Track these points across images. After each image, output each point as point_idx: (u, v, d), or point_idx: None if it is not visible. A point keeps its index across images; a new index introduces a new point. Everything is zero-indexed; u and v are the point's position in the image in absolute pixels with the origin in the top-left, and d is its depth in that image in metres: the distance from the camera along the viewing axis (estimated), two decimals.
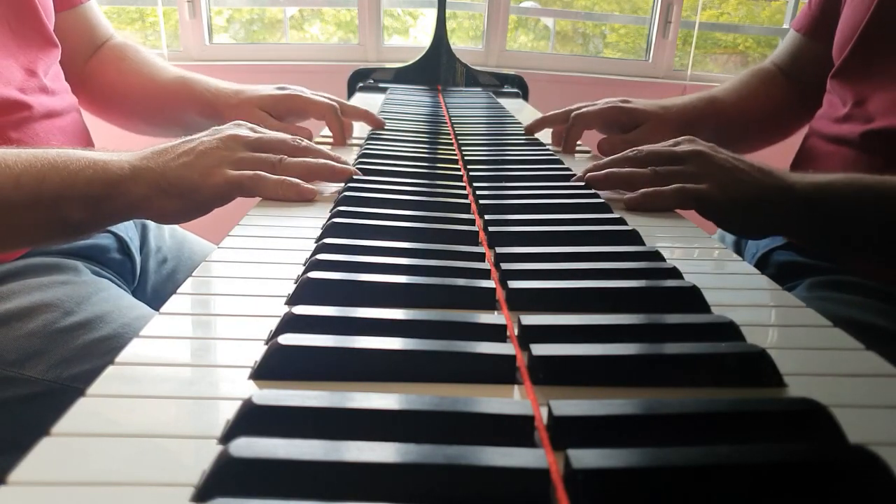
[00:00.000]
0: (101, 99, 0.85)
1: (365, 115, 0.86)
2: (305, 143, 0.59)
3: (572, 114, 0.81)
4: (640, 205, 0.56)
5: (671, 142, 0.60)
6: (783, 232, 0.63)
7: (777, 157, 0.74)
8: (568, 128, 0.82)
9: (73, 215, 0.50)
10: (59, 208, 0.49)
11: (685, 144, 0.58)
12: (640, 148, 0.60)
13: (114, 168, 0.50)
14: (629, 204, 0.56)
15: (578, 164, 0.73)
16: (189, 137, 0.55)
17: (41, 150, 0.50)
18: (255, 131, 0.58)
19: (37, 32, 0.69)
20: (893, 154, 0.65)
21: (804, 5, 0.87)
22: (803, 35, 0.85)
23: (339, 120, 0.80)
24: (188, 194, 0.52)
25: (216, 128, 0.57)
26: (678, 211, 0.58)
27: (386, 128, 0.86)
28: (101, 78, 0.84)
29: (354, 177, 0.58)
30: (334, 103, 0.81)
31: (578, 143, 0.84)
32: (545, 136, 0.89)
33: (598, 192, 0.58)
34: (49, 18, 0.71)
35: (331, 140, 0.82)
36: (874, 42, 0.69)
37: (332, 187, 0.59)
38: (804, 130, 0.82)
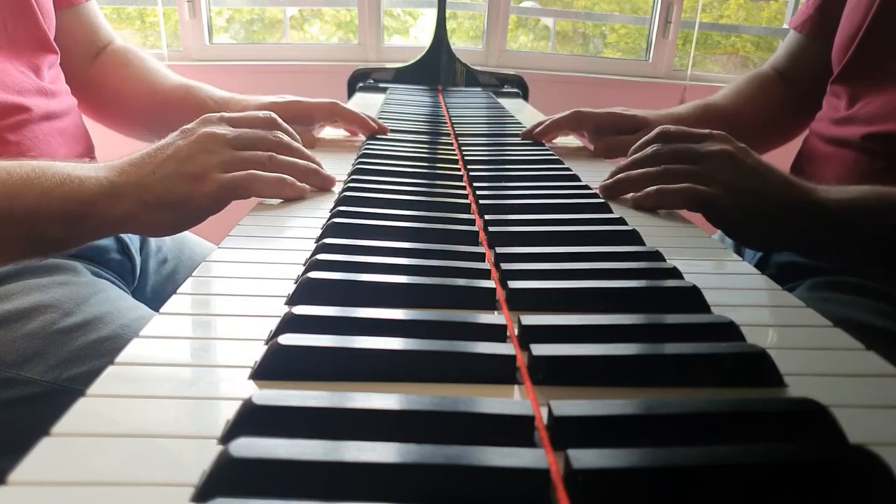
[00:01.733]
0: (103, 104, 0.84)
1: (359, 121, 0.83)
2: (284, 137, 0.57)
3: (573, 110, 0.81)
4: (644, 201, 0.55)
5: (704, 132, 0.57)
6: (797, 249, 0.61)
7: (777, 159, 0.74)
8: (561, 116, 0.80)
9: (50, 233, 0.48)
10: (34, 226, 0.47)
11: (714, 142, 0.55)
12: (665, 130, 0.57)
13: (91, 185, 0.47)
14: (636, 201, 0.56)
15: (583, 166, 0.73)
16: (162, 143, 0.52)
17: (16, 164, 0.47)
18: (227, 121, 0.55)
19: (34, 34, 0.68)
20: (891, 156, 0.65)
21: (802, 4, 0.87)
22: (801, 34, 0.85)
23: (348, 109, 0.79)
24: (179, 206, 0.49)
25: (185, 128, 0.54)
26: (679, 211, 0.58)
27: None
28: (103, 83, 0.82)
29: (355, 176, 0.58)
30: (334, 100, 0.80)
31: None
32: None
33: (598, 193, 0.58)
34: (48, 20, 0.71)
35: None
36: (875, 44, 0.68)
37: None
38: (804, 132, 0.82)
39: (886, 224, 0.53)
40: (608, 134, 0.82)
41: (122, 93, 0.83)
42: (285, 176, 0.53)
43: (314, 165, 0.58)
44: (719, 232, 0.85)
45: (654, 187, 0.55)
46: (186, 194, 0.49)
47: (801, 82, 0.85)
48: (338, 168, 0.67)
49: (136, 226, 0.50)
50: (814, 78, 0.80)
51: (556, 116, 0.82)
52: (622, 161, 0.60)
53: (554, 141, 0.87)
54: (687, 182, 0.53)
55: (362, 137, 0.82)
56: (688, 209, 0.55)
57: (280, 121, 0.59)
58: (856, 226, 0.53)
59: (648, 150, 0.57)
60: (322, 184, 0.58)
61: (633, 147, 0.60)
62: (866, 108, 0.69)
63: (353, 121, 0.82)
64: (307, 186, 0.56)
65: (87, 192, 0.47)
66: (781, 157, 0.80)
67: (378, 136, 0.79)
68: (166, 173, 0.49)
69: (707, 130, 0.57)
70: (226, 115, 0.56)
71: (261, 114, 0.57)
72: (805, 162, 0.78)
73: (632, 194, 0.57)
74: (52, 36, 0.72)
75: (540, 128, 0.82)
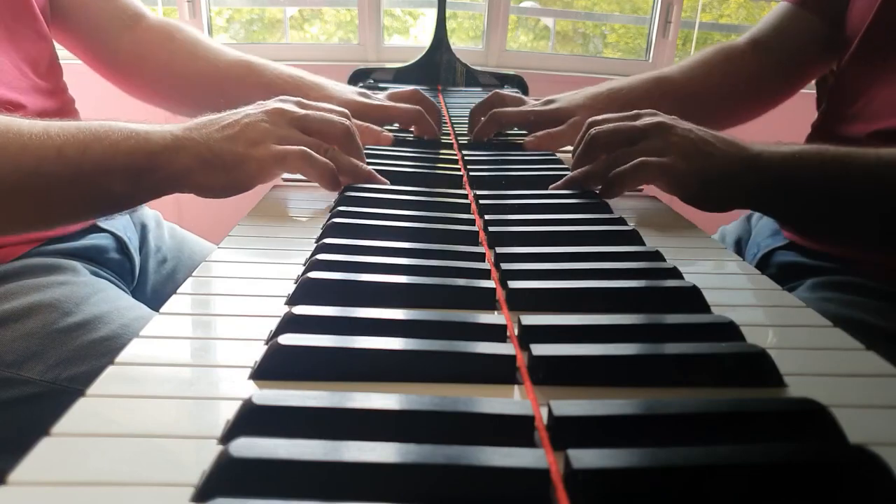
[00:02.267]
0: (149, 83, 0.80)
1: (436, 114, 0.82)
2: (352, 130, 0.57)
3: (490, 112, 0.79)
4: (610, 192, 0.55)
5: (632, 114, 0.58)
6: (750, 205, 0.61)
7: None
8: (484, 122, 0.79)
9: (115, 188, 0.49)
10: (102, 180, 0.48)
11: (646, 118, 0.57)
12: (599, 126, 0.57)
13: (156, 138, 0.49)
14: (603, 196, 0.56)
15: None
16: (234, 111, 0.54)
17: (84, 122, 0.49)
18: (303, 106, 0.57)
19: (29, 26, 0.67)
20: None
21: None
22: (794, 5, 0.82)
23: (428, 121, 0.78)
24: (232, 167, 0.51)
25: (261, 102, 0.56)
26: (679, 210, 0.58)
27: (386, 128, 0.85)
28: (147, 61, 0.79)
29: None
30: (418, 107, 0.78)
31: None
32: None
33: (598, 192, 0.58)
34: (43, 10, 0.69)
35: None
36: (880, 39, 0.68)
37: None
38: (805, 129, 0.82)
39: (828, 177, 0.54)
40: (533, 130, 0.79)
41: (171, 68, 0.80)
42: (335, 167, 0.54)
43: (365, 173, 0.57)
44: (719, 231, 0.86)
45: (611, 174, 0.55)
46: (240, 157, 0.51)
47: (782, 54, 0.83)
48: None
49: (191, 182, 0.51)
50: (798, 50, 0.79)
51: (480, 124, 0.80)
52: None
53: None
54: (637, 158, 0.54)
55: None
56: (646, 183, 0.56)
57: (352, 122, 0.58)
58: (794, 178, 0.54)
59: (590, 134, 0.57)
60: (366, 179, 0.57)
61: (576, 153, 0.60)
62: (872, 104, 0.68)
63: (426, 132, 0.79)
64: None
65: (152, 145, 0.49)
66: None
67: None
68: (227, 135, 0.51)
69: (634, 111, 0.58)
70: (304, 100, 0.58)
71: (337, 109, 0.58)
72: None
73: (600, 191, 0.57)
74: (45, 25, 0.70)
75: (475, 131, 0.80)
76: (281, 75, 0.79)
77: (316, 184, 0.57)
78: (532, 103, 0.81)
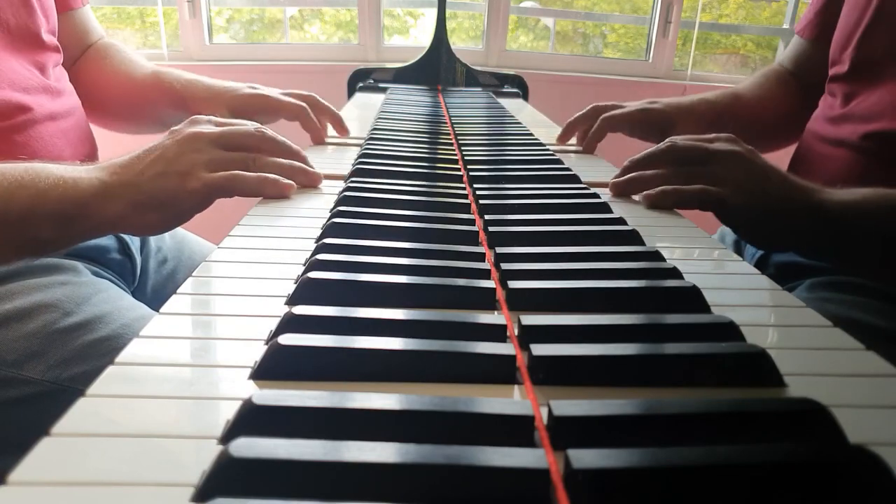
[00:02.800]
0: (86, 101, 0.82)
1: (333, 116, 0.85)
2: (269, 133, 0.58)
3: (601, 116, 0.82)
4: (660, 202, 0.55)
5: (710, 136, 0.58)
6: (802, 251, 0.61)
7: (773, 158, 0.74)
8: (595, 128, 0.82)
9: (43, 235, 0.48)
10: (29, 227, 0.47)
11: (722, 143, 0.57)
12: (674, 142, 0.58)
13: (84, 185, 0.48)
14: (651, 199, 0.56)
15: (583, 166, 0.73)
16: (151, 145, 0.53)
17: (9, 166, 0.48)
18: (216, 124, 0.57)
19: (36, 35, 0.69)
20: (887, 155, 0.65)
21: (806, 9, 0.88)
22: (805, 39, 0.86)
23: (313, 119, 0.80)
24: (168, 205, 0.51)
25: (174, 129, 0.55)
26: (679, 210, 0.58)
27: (386, 128, 0.86)
28: (85, 79, 0.82)
29: (355, 177, 0.58)
30: (304, 104, 0.80)
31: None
32: (544, 136, 0.89)
33: (598, 193, 0.58)
34: (49, 20, 0.71)
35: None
36: (873, 43, 0.69)
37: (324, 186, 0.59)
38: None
39: (888, 227, 0.53)
40: (636, 133, 0.84)
41: (100, 86, 0.83)
42: (268, 175, 0.54)
43: (299, 164, 0.58)
44: (719, 231, 0.86)
45: (671, 187, 0.55)
46: (174, 192, 0.50)
47: (808, 84, 0.86)
48: (338, 168, 0.67)
49: (127, 226, 0.51)
50: (817, 81, 0.81)
51: (584, 120, 0.85)
52: (630, 157, 0.61)
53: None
54: (698, 183, 0.54)
55: (357, 141, 0.82)
56: (700, 209, 0.55)
57: (267, 130, 0.59)
58: (858, 228, 0.53)
59: (662, 147, 0.58)
60: (308, 181, 0.58)
61: (645, 152, 0.60)
62: (861, 106, 0.69)
63: (310, 130, 0.82)
64: (292, 184, 0.56)
65: (80, 193, 0.48)
66: (778, 158, 0.81)
67: (378, 137, 0.79)
68: (156, 172, 0.50)
69: (713, 134, 0.58)
70: (214, 117, 0.58)
71: (247, 123, 0.59)
72: (801, 161, 0.78)
73: (646, 192, 0.57)
74: (55, 35, 0.72)
75: (587, 141, 0.83)
76: (179, 80, 0.82)
77: (317, 185, 0.57)
78: (635, 104, 0.84)
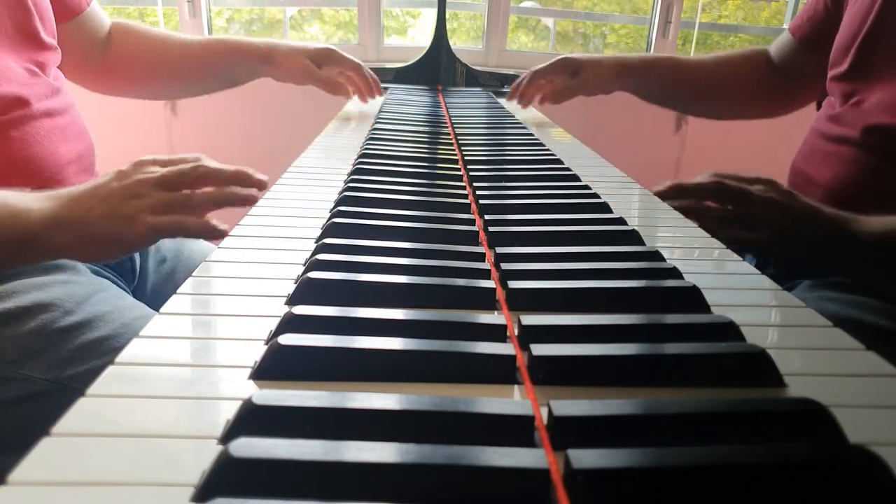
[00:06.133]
0: (130, 76, 0.92)
1: (376, 81, 1.05)
2: (209, 165, 0.61)
3: (531, 70, 1.01)
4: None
5: (752, 178, 0.63)
6: (843, 274, 0.65)
7: (779, 157, 0.75)
8: (526, 79, 1.01)
9: None
10: None
11: (762, 186, 0.62)
12: (721, 182, 0.63)
13: (36, 217, 0.52)
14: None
15: (577, 161, 0.73)
16: (100, 182, 0.57)
17: None
18: (161, 163, 0.60)
19: (34, 36, 0.70)
20: (890, 151, 0.66)
21: (801, 9, 0.92)
22: (794, 39, 0.91)
23: (366, 75, 0.97)
24: (113, 243, 0.55)
25: (120, 170, 0.59)
26: (680, 211, 0.58)
27: (386, 128, 0.86)
28: (123, 57, 0.89)
29: (355, 177, 0.58)
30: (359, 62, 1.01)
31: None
32: (545, 136, 0.89)
33: (598, 193, 0.58)
34: (47, 22, 0.72)
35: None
36: (875, 45, 0.70)
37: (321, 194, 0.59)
38: (804, 130, 0.83)
39: None
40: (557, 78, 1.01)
41: (146, 55, 0.92)
42: (210, 221, 0.59)
43: (233, 191, 0.61)
44: None
45: (710, 226, 0.58)
46: (119, 233, 0.55)
47: (785, 75, 0.95)
48: (338, 168, 0.67)
49: (74, 254, 0.55)
50: (798, 75, 0.89)
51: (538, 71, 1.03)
52: (678, 181, 0.67)
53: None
54: (736, 224, 0.60)
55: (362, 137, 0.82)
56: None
57: (208, 161, 0.63)
58: (888, 251, 0.57)
59: (709, 181, 0.64)
60: (242, 202, 0.62)
61: (693, 183, 0.66)
62: (862, 105, 0.71)
63: (354, 69, 1.02)
64: (226, 229, 0.59)
65: (31, 223, 0.52)
66: (780, 156, 0.82)
67: (378, 137, 0.79)
68: (102, 213, 0.55)
69: (755, 175, 0.64)
70: (158, 157, 0.62)
71: (189, 157, 0.63)
72: (805, 159, 0.79)
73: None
74: (54, 36, 0.73)
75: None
76: (257, 43, 0.97)
77: (316, 184, 0.57)
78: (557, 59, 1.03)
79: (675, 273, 0.39)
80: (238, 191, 0.62)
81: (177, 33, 0.96)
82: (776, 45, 0.96)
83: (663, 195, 0.64)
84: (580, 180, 0.63)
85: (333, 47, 1.00)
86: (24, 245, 0.52)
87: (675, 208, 0.62)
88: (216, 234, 0.59)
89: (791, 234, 0.59)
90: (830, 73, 0.76)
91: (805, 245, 0.59)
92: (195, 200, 0.59)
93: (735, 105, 1.02)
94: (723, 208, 0.63)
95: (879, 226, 0.58)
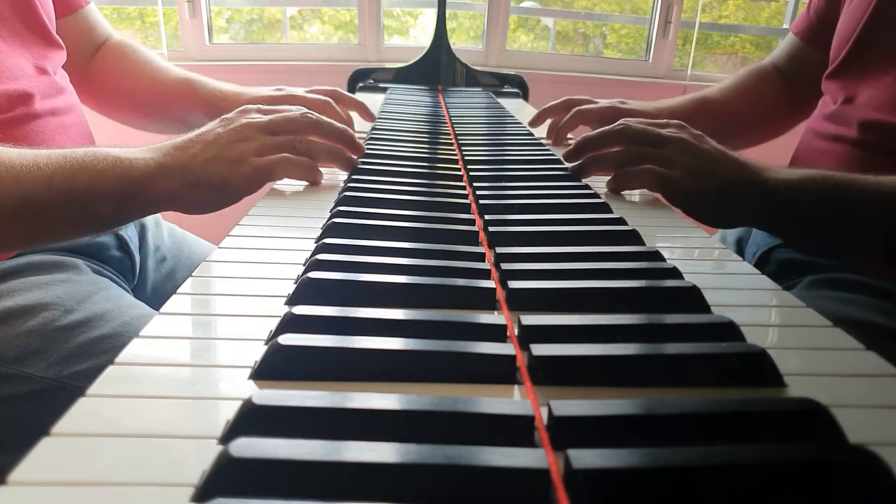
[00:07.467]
0: (105, 97, 0.87)
1: (358, 106, 0.90)
2: (314, 116, 0.61)
3: (574, 109, 0.84)
4: (615, 187, 0.60)
5: (662, 122, 0.61)
6: (753, 224, 0.64)
7: (775, 155, 0.75)
8: (565, 119, 0.85)
9: (102, 212, 0.51)
10: (90, 205, 0.50)
11: (672, 129, 0.60)
12: (627, 123, 0.61)
13: (140, 165, 0.51)
14: (609, 188, 0.61)
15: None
16: (203, 129, 0.56)
17: (70, 150, 0.51)
18: (263, 112, 0.60)
19: (41, 33, 0.70)
20: (885, 148, 0.66)
21: (803, 10, 0.90)
22: (801, 40, 0.89)
23: (338, 112, 0.83)
24: (220, 187, 0.53)
25: (225, 117, 0.58)
26: (679, 211, 0.58)
27: (386, 128, 0.86)
28: (105, 77, 0.86)
29: (355, 177, 0.58)
30: (328, 98, 0.83)
31: (569, 135, 0.86)
32: (543, 133, 0.89)
33: (598, 193, 0.58)
34: (50, 21, 0.72)
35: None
36: (870, 42, 0.70)
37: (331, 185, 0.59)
38: (801, 130, 0.83)
39: (826, 205, 0.55)
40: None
41: (124, 86, 0.87)
42: (314, 162, 0.59)
43: (340, 148, 0.62)
44: (720, 232, 0.86)
45: (619, 171, 0.59)
46: (226, 176, 0.53)
47: (797, 82, 0.90)
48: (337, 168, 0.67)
49: (179, 203, 0.54)
50: (809, 80, 0.84)
51: (556, 110, 0.89)
52: (584, 135, 0.65)
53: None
54: (647, 164, 0.58)
55: (359, 136, 0.82)
56: (648, 189, 0.59)
57: (321, 118, 0.62)
58: (801, 204, 0.55)
59: (618, 126, 0.62)
60: (346, 167, 0.62)
61: (599, 131, 0.64)
62: (859, 101, 0.71)
63: (353, 105, 0.88)
64: (323, 174, 0.60)
65: (136, 173, 0.51)
66: (778, 156, 0.81)
67: (378, 137, 0.79)
68: (208, 157, 0.53)
69: (665, 120, 0.62)
70: (262, 106, 0.62)
71: (292, 107, 0.62)
72: (801, 157, 0.79)
73: (607, 182, 0.61)
74: (55, 34, 0.73)
75: (558, 129, 0.86)
76: (213, 90, 0.86)
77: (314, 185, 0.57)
78: (606, 101, 0.88)
79: (675, 273, 0.39)
80: (342, 151, 0.62)
81: (161, 65, 0.89)
82: (782, 54, 0.92)
83: (570, 156, 0.64)
84: (580, 180, 0.63)
85: (296, 92, 0.83)
86: (130, 196, 0.51)
87: (586, 164, 0.62)
88: (319, 179, 0.59)
89: (704, 173, 0.56)
90: (825, 72, 0.76)
91: (716, 191, 0.56)
92: (303, 147, 0.58)
93: (765, 131, 0.96)
94: (636, 150, 0.60)
95: (795, 175, 0.56)
